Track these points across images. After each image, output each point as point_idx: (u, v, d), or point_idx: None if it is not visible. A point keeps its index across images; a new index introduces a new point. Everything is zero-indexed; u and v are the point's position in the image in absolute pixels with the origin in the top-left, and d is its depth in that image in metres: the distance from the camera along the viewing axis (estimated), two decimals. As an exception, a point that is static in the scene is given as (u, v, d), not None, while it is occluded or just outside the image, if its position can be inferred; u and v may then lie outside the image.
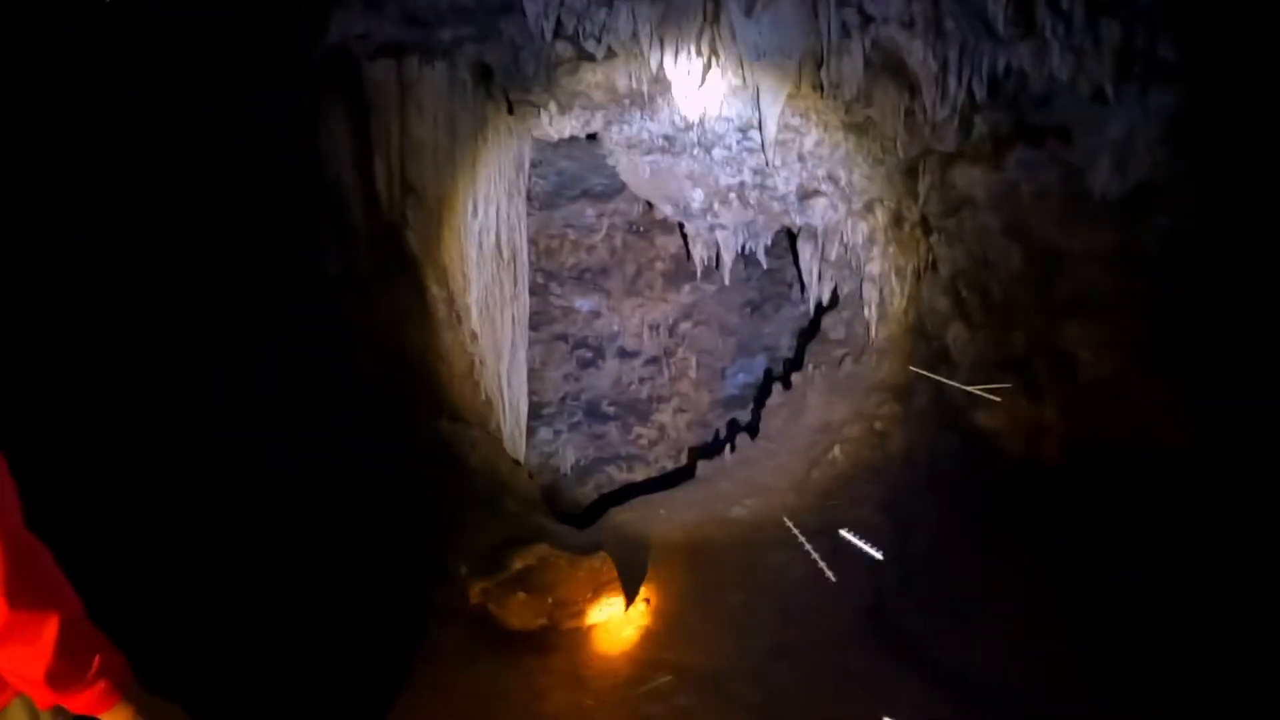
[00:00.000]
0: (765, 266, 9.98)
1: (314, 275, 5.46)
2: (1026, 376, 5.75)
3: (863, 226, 6.23)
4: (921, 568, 4.81)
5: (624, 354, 9.28)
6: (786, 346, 10.11)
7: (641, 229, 8.91)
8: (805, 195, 6.58)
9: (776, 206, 6.73)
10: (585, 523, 6.17)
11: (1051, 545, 4.73)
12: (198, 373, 4.22)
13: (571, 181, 8.63)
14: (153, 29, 4.56)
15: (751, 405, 10.06)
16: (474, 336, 6.52)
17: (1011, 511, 5.10)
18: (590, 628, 3.97)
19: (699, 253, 7.79)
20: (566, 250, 8.82)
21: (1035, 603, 4.31)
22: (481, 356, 6.56)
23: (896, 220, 6.19)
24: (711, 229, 7.58)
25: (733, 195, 7.09)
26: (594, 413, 9.27)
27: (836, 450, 6.03)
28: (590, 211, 8.72)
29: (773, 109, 5.90)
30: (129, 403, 3.85)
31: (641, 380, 9.44)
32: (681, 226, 8.32)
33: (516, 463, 6.42)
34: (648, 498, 6.07)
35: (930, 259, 6.18)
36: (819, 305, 6.93)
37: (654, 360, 9.40)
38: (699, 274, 9.20)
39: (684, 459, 9.76)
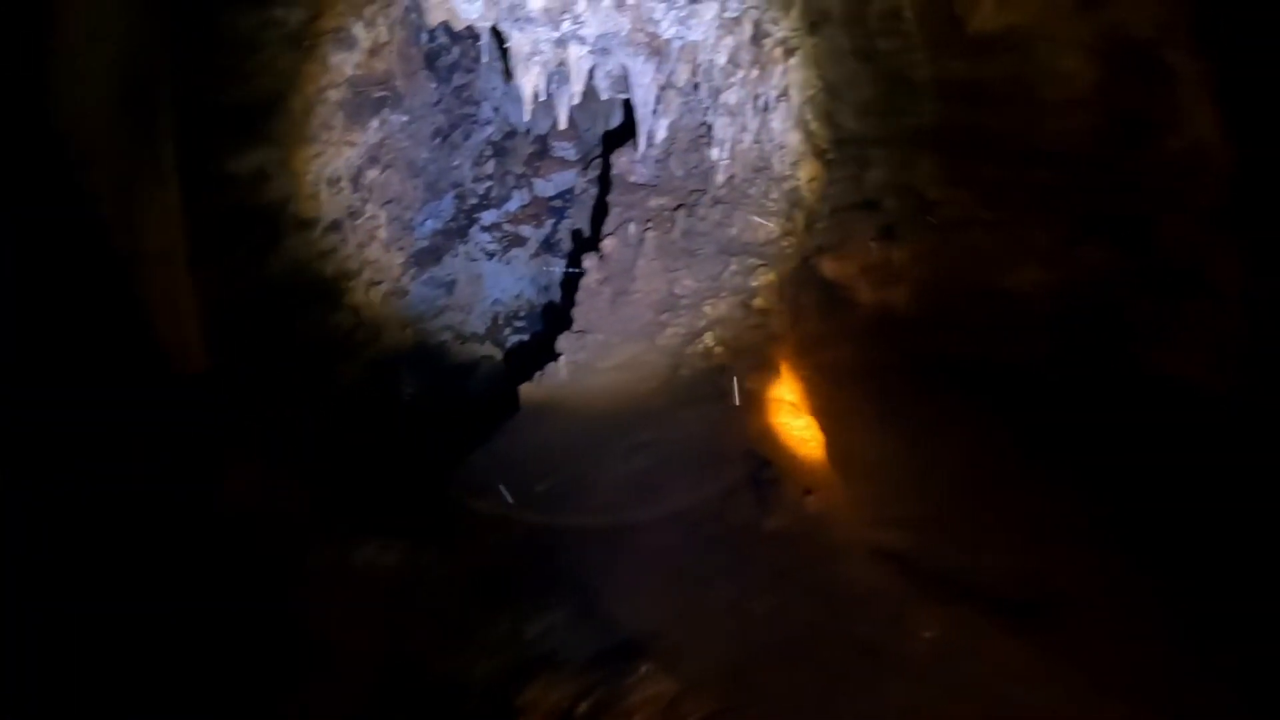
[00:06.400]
0: (453, 83, 7.94)
1: None
2: (880, 218, 5.43)
3: (728, 43, 4.98)
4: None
5: (299, 224, 6.69)
6: (471, 178, 8.50)
7: (307, 42, 6.12)
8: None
9: (659, 12, 4.76)
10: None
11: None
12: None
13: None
14: None
15: (445, 257, 8.40)
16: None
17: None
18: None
19: (531, 82, 5.25)
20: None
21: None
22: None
23: (758, 36, 5.10)
24: (562, 42, 5.15)
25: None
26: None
27: (708, 338, 5.10)
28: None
29: None
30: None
31: (323, 255, 7.00)
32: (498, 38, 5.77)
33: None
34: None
35: (784, 86, 5.30)
36: (648, 142, 5.50)
37: (335, 226, 7.00)
38: (389, 99, 6.80)
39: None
